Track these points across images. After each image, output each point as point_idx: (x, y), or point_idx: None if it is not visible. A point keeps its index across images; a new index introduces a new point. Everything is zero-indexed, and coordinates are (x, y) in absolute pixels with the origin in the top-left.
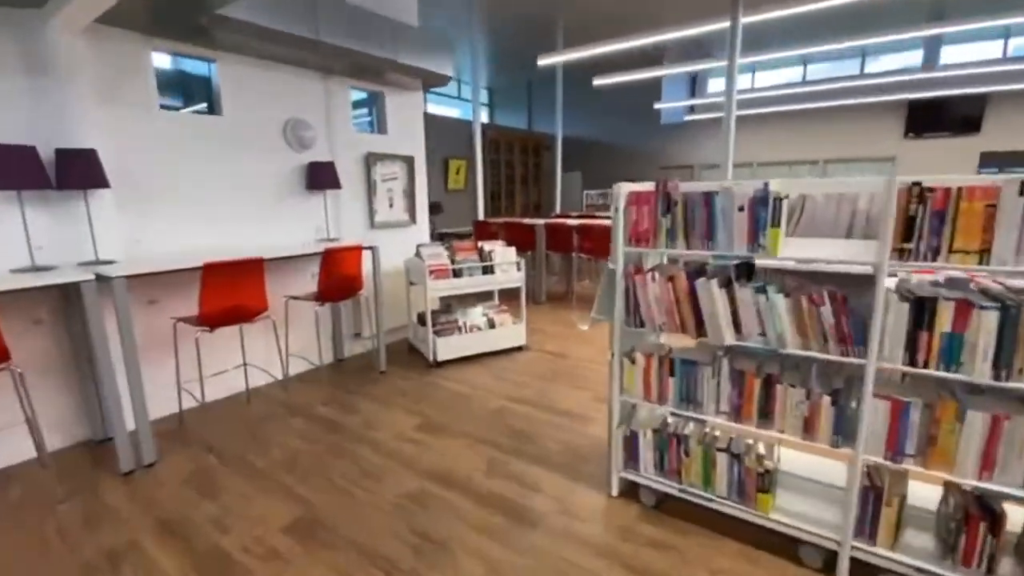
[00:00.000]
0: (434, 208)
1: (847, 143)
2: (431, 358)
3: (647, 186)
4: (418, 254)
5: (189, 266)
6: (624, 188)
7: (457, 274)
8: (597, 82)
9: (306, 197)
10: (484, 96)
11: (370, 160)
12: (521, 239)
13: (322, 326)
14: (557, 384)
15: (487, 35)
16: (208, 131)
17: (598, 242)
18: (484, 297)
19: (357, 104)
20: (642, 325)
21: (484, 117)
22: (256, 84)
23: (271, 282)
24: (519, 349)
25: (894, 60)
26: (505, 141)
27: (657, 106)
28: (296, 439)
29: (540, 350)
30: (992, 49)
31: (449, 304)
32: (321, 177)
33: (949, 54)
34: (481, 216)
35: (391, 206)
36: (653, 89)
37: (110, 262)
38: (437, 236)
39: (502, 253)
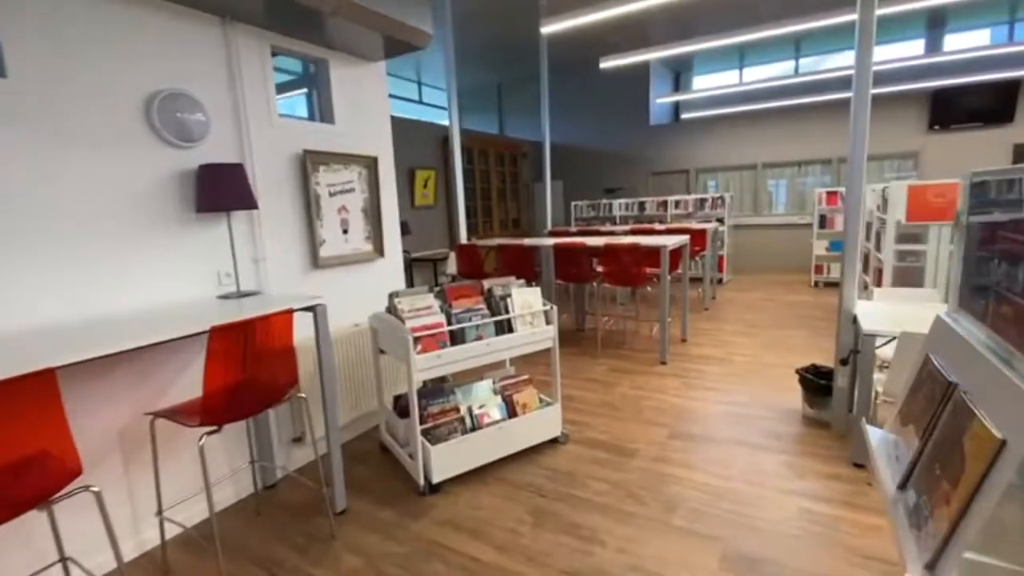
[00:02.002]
0: (400, 228)
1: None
2: (420, 480)
3: None
4: (393, 308)
5: None
6: None
7: (457, 337)
8: (604, 64)
9: (196, 223)
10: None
11: (308, 162)
12: (520, 266)
13: (230, 442)
14: (648, 521)
15: (458, 27)
16: None
17: (627, 266)
18: (492, 363)
19: (287, 85)
20: None
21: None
22: (87, 27)
23: (122, 385)
24: (554, 442)
25: (896, 49)
26: (478, 148)
27: (660, 101)
28: None
29: (584, 439)
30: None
31: (444, 378)
32: (222, 189)
33: (953, 42)
34: (464, 237)
35: (345, 232)
36: (640, 87)
37: None
38: (407, 263)
39: (522, 297)
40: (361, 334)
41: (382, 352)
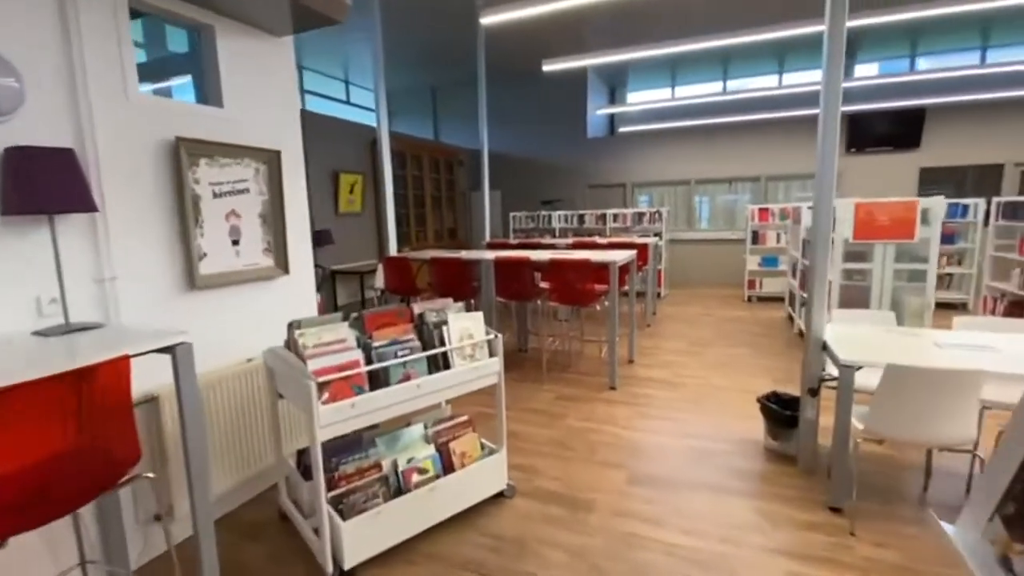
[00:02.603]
0: (321, 237)
1: (789, 159)
2: (329, 567)
3: None
4: (292, 342)
5: None
6: None
7: (379, 378)
8: (547, 67)
9: (5, 231)
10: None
11: (184, 152)
12: (457, 283)
13: (52, 538)
14: None
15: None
16: None
17: (575, 283)
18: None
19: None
20: None
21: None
22: None
23: None
24: (498, 496)
25: (811, 76)
26: (411, 153)
27: (599, 113)
28: None
29: (533, 490)
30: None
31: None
32: (41, 183)
33: (860, 70)
34: (393, 249)
35: (236, 243)
36: (578, 99)
37: None
38: (327, 276)
39: (460, 324)
40: (255, 371)
41: (281, 398)
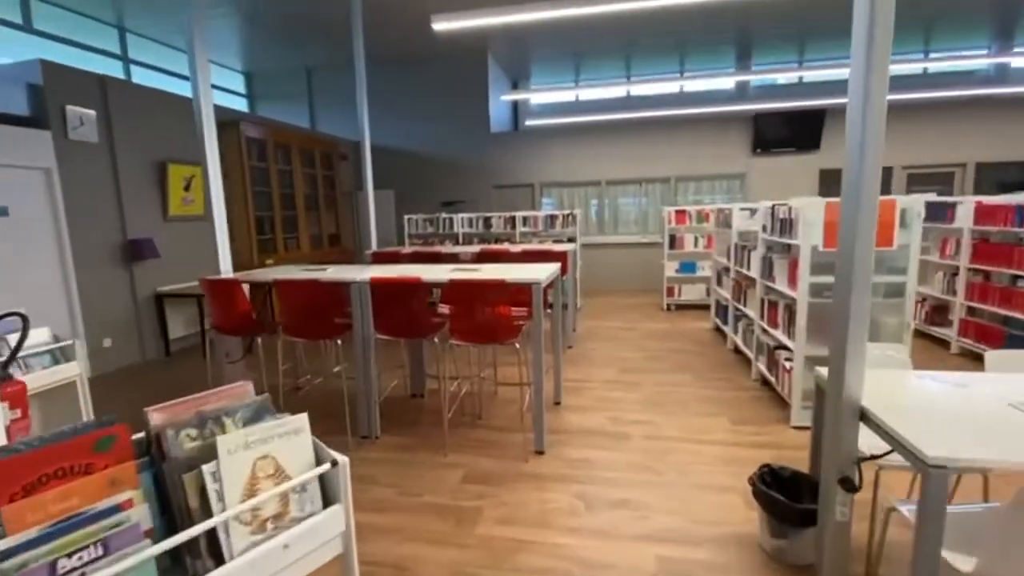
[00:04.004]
0: (138, 250)
1: (698, 159)
2: None
3: None
4: None
5: None
6: None
7: None
8: (436, 26)
9: None
10: (239, 84)
11: None
12: (315, 318)
13: None
14: None
15: None
16: None
17: (486, 312)
18: None
19: None
20: None
21: (242, 106)
22: None
23: None
24: None
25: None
26: (279, 142)
27: (504, 99)
28: None
29: None
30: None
31: None
32: None
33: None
34: (226, 266)
35: None
36: (478, 85)
37: None
38: (155, 302)
39: (257, 448)
40: None
41: None
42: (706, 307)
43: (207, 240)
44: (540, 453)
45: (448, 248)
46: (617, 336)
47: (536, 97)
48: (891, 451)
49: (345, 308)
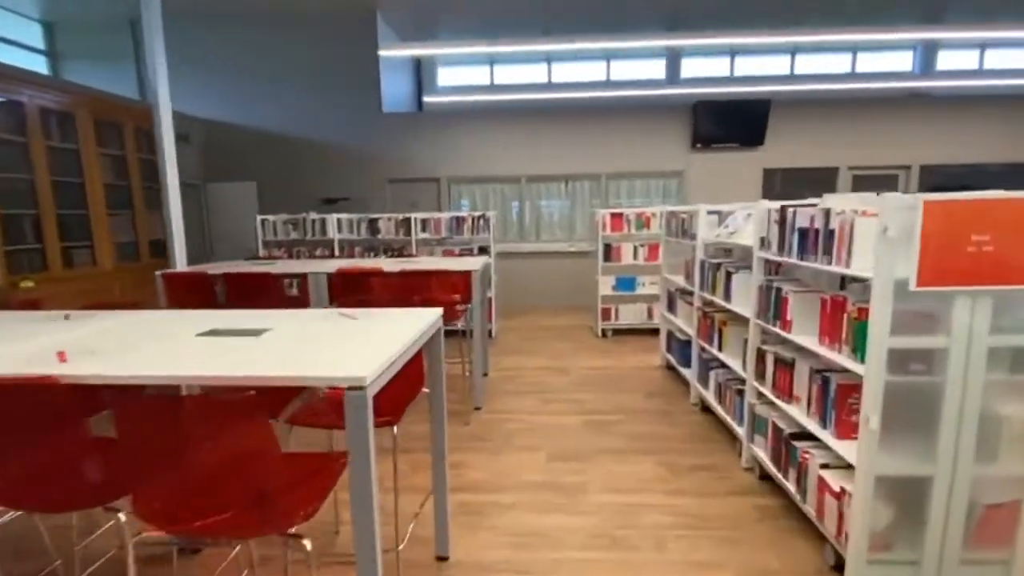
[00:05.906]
0: None
1: (632, 155)
2: None
3: None
4: None
5: None
6: None
7: None
8: None
9: None
10: (34, 35)
11: None
12: None
13: None
14: None
15: None
16: None
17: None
18: None
19: None
20: None
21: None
22: None
23: None
24: None
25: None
26: (93, 114)
27: (388, 52)
28: None
29: None
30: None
31: None
32: None
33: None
34: None
35: None
36: (365, 51)
37: None
38: None
39: None
40: None
41: None
42: (650, 332)
43: None
44: None
45: (313, 263)
46: (544, 385)
47: (445, 75)
48: None
49: None
